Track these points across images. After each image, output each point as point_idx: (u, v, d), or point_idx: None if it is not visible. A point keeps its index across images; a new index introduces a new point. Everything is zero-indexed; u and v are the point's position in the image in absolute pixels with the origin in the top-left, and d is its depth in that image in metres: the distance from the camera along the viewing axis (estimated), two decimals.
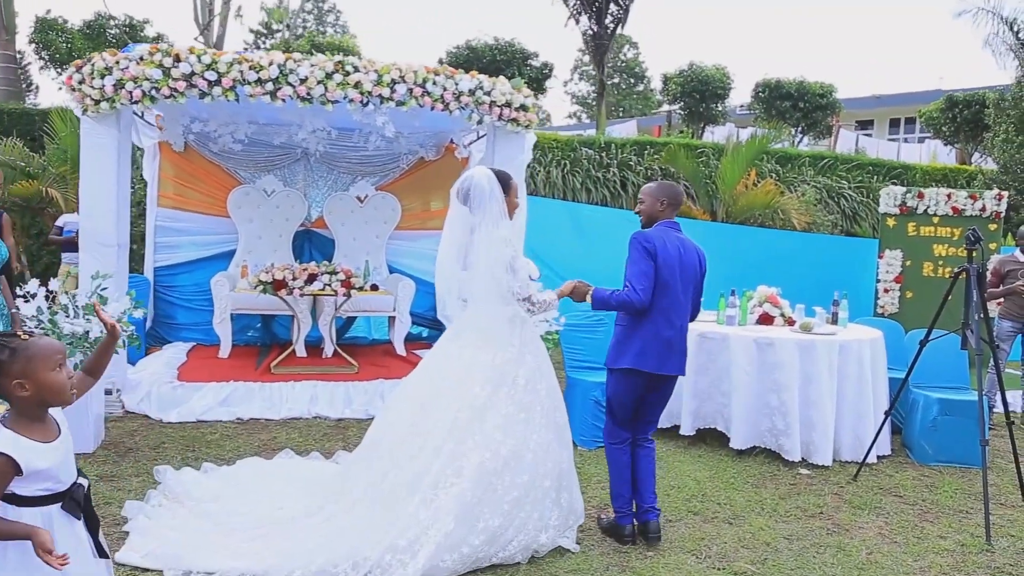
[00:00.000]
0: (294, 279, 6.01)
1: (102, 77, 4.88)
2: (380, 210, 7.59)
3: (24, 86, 19.39)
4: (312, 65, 4.90)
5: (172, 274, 7.42)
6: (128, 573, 3.03)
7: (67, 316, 4.44)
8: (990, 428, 5.47)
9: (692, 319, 3.60)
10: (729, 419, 4.87)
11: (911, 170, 13.66)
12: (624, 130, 19.41)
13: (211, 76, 4.81)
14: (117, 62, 4.89)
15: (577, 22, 16.96)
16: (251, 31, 28.75)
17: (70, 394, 2.09)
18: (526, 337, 3.45)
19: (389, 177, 7.81)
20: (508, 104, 5.36)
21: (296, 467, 4.25)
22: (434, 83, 5.11)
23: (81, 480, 2.13)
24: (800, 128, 18.16)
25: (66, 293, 4.56)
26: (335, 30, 34.45)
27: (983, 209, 8.09)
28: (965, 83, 22.03)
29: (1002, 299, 5.96)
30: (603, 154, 11.60)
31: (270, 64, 4.84)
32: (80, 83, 4.95)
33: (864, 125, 24.60)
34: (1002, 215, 8.16)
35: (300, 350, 6.65)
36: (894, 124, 24.83)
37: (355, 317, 7.62)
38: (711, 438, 5.09)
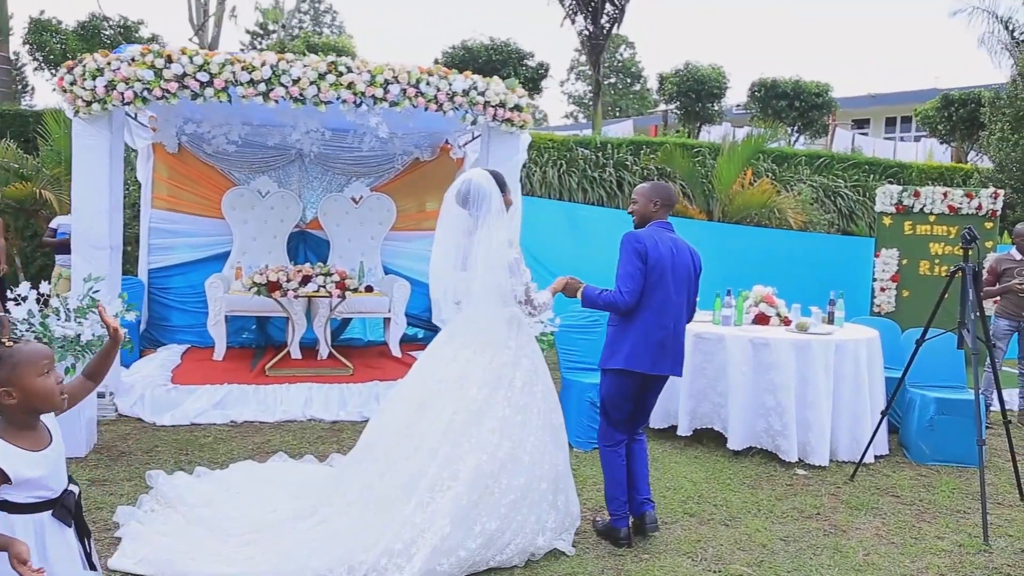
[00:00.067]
0: (288, 281, 5.99)
1: (93, 78, 4.85)
2: (375, 211, 7.56)
3: (20, 87, 19.33)
4: (305, 66, 4.87)
5: (166, 276, 7.39)
6: None
7: (58, 319, 4.41)
8: (987, 427, 5.46)
9: (689, 320, 3.59)
10: (726, 419, 4.85)
11: (907, 169, 13.66)
12: (620, 130, 19.39)
13: (203, 77, 4.78)
14: (109, 63, 4.86)
15: (573, 22, 16.94)
16: (247, 32, 28.74)
17: (60, 399, 2.06)
18: (522, 339, 3.45)
19: (384, 178, 7.79)
20: (502, 104, 5.33)
21: (289, 470, 4.22)
22: (427, 83, 5.09)
23: (72, 487, 2.10)
24: (796, 127, 18.16)
25: (57, 296, 4.53)
26: (331, 31, 34.41)
27: (979, 207, 8.08)
28: (961, 82, 22.09)
29: (998, 297, 5.95)
30: (599, 154, 11.58)
31: (262, 65, 4.81)
32: (71, 84, 4.92)
33: (860, 124, 24.61)
34: (998, 213, 8.15)
35: (295, 352, 6.62)
36: (890, 123, 24.84)
37: (350, 319, 7.59)
38: (708, 439, 5.07)
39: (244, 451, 4.66)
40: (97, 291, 4.65)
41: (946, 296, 4.43)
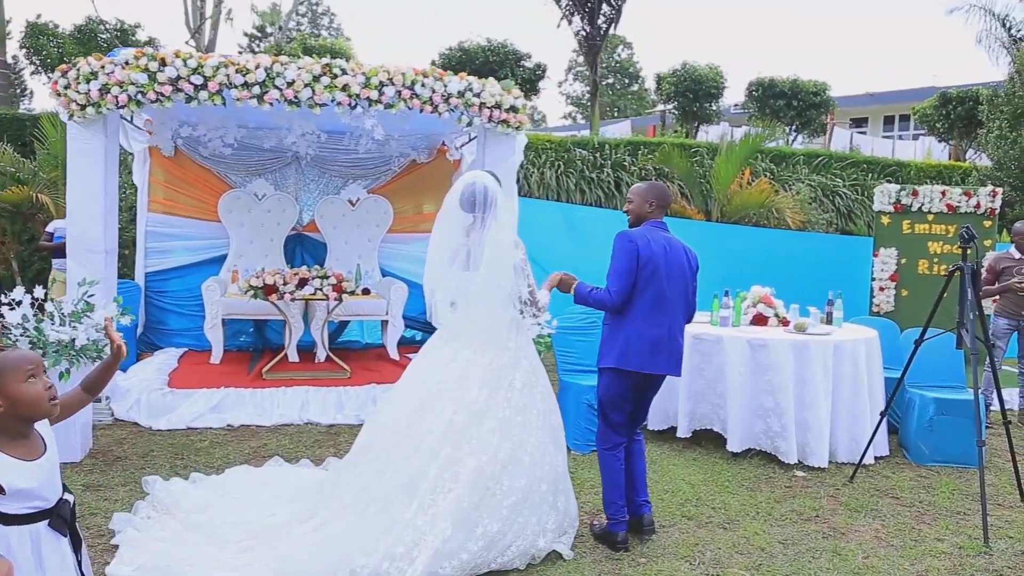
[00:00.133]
0: (285, 284, 5.96)
1: (88, 82, 4.83)
2: (372, 213, 7.54)
3: (18, 92, 19.33)
4: (299, 68, 4.85)
5: (163, 279, 7.37)
6: None
7: (53, 324, 4.38)
8: (987, 427, 5.44)
9: (689, 319, 3.58)
10: (725, 420, 4.83)
11: (905, 167, 13.65)
12: (618, 130, 19.38)
13: (197, 80, 4.76)
14: (103, 66, 4.84)
15: (570, 23, 16.91)
16: (245, 34, 28.72)
17: (48, 406, 2.03)
18: (521, 340, 3.46)
19: (381, 180, 7.76)
20: (498, 106, 5.31)
21: (285, 475, 4.20)
22: (423, 85, 5.07)
23: (67, 496, 2.08)
24: (794, 127, 18.15)
25: (51, 300, 4.51)
26: (329, 33, 34.40)
27: (978, 206, 8.06)
28: (959, 80, 22.03)
29: (998, 296, 5.93)
30: (597, 155, 11.56)
31: (256, 67, 4.79)
32: (66, 88, 4.90)
33: (858, 123, 24.61)
34: (997, 212, 8.13)
35: (292, 355, 6.60)
36: (888, 121, 24.83)
37: (348, 321, 7.57)
38: (707, 440, 5.04)
39: (240, 455, 4.63)
40: (92, 295, 4.63)
41: (945, 295, 4.41)
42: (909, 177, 13.27)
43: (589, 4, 16.45)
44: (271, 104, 4.87)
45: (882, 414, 4.63)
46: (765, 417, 4.71)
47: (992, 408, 5.80)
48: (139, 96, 4.83)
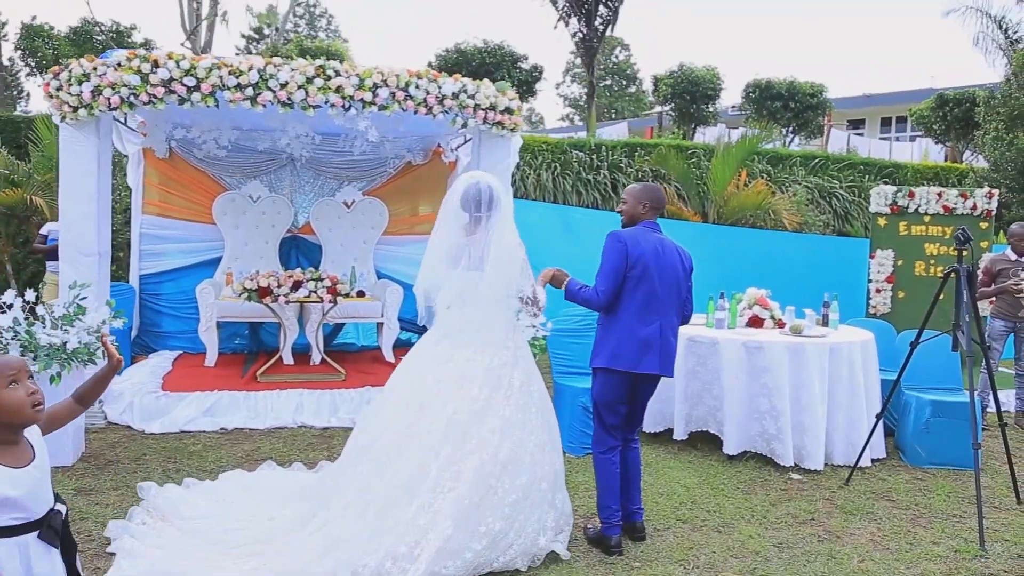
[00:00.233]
0: (279, 286, 5.94)
1: (80, 83, 4.81)
2: (367, 215, 7.52)
3: (15, 93, 19.29)
4: (292, 70, 4.83)
5: (158, 282, 7.34)
6: None
7: (44, 327, 4.36)
8: (984, 428, 5.42)
9: (685, 321, 3.58)
10: (721, 423, 4.81)
11: (902, 169, 13.66)
12: (615, 132, 19.37)
13: (190, 82, 4.73)
14: (95, 68, 4.82)
15: (567, 24, 16.91)
16: (242, 36, 28.70)
17: (32, 412, 1.99)
18: (518, 340, 3.49)
19: (376, 182, 7.74)
20: (493, 107, 5.29)
21: (279, 478, 4.18)
22: (417, 87, 5.05)
23: (58, 507, 2.03)
24: (791, 128, 18.15)
25: (42, 304, 4.48)
26: (327, 34, 34.39)
27: (974, 207, 8.05)
28: (955, 81, 22.07)
29: (994, 298, 5.92)
30: (593, 156, 11.56)
31: (249, 69, 4.77)
32: (58, 90, 4.87)
33: (855, 124, 24.62)
34: (993, 213, 8.12)
35: (287, 357, 6.57)
36: (885, 123, 24.85)
37: (343, 324, 7.54)
38: (703, 443, 5.03)
39: (233, 459, 4.61)
40: (84, 298, 4.61)
41: (941, 297, 4.40)
42: (906, 179, 13.27)
43: (586, 5, 16.46)
44: (264, 106, 4.85)
45: (878, 416, 4.62)
46: (761, 420, 4.69)
47: (989, 410, 5.78)
48: (131, 98, 4.80)
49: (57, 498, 2.06)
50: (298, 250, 7.71)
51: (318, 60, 4.97)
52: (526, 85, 17.02)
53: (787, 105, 17.69)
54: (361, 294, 6.68)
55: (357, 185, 7.67)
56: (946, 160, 17.63)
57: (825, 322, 5.28)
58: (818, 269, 8.92)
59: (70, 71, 4.82)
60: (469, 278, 3.36)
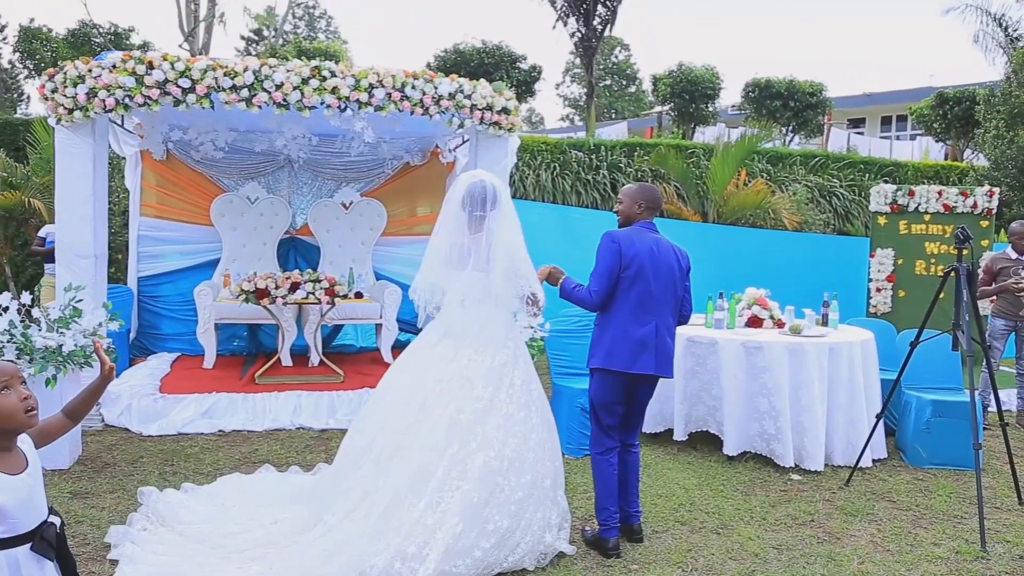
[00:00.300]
0: (277, 288, 5.91)
1: (75, 85, 4.78)
2: (366, 216, 7.50)
3: (15, 96, 19.28)
4: (288, 71, 4.81)
5: (156, 284, 7.33)
6: None
7: (40, 330, 4.34)
8: (985, 428, 5.39)
9: (684, 321, 3.56)
10: (721, 423, 4.79)
11: (903, 167, 13.63)
12: (614, 132, 19.36)
13: (185, 83, 4.71)
14: (90, 70, 4.79)
15: (565, 24, 16.90)
16: (242, 38, 28.70)
17: (25, 417, 1.97)
18: (517, 339, 3.49)
19: (374, 183, 7.72)
20: (490, 107, 5.26)
21: (277, 481, 4.15)
22: (413, 87, 5.02)
23: (52, 519, 2.00)
24: (791, 127, 18.12)
25: (39, 306, 4.46)
26: (326, 36, 34.39)
27: (974, 206, 8.03)
28: (955, 80, 22.02)
29: (995, 297, 5.89)
30: (592, 156, 11.53)
31: (245, 70, 4.74)
32: (53, 92, 4.85)
33: (856, 123, 24.58)
34: (993, 211, 8.10)
35: (285, 359, 6.55)
36: (886, 122, 24.81)
37: (342, 325, 7.52)
38: (703, 443, 5.00)
39: (231, 461, 4.59)
40: (80, 300, 4.59)
41: (942, 296, 4.37)
42: (906, 177, 13.24)
43: (584, 5, 16.44)
44: (260, 107, 4.83)
45: (878, 416, 4.59)
46: (760, 420, 4.67)
47: (990, 410, 5.75)
48: (127, 100, 4.77)
49: (52, 511, 2.03)
50: (296, 251, 7.69)
51: (314, 61, 4.94)
52: (525, 85, 17.00)
53: (787, 104, 17.66)
54: (359, 295, 6.66)
55: (355, 186, 7.65)
56: (946, 159, 17.60)
57: (825, 322, 5.26)
58: (818, 268, 8.89)
59: (65, 73, 4.80)
60: (474, 278, 3.35)
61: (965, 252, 4.15)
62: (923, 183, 11.36)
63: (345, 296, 6.21)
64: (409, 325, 7.50)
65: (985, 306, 6.60)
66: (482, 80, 5.42)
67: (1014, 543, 3.66)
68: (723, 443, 4.76)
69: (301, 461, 4.57)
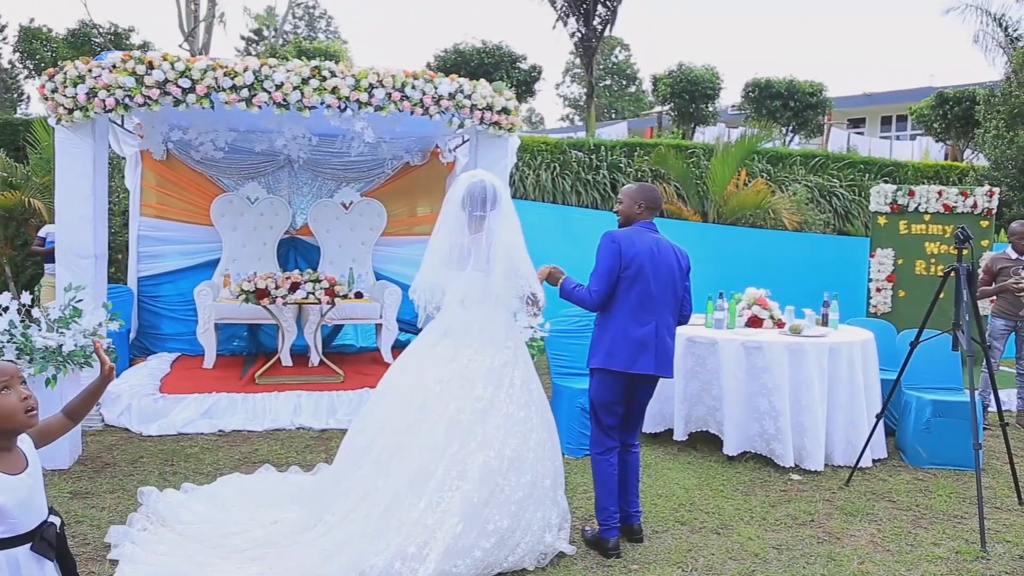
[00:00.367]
0: (277, 288, 5.91)
1: (75, 85, 4.78)
2: (366, 216, 7.50)
3: (16, 96, 19.28)
4: (288, 71, 4.80)
5: (156, 284, 7.33)
6: None
7: (40, 330, 4.34)
8: (985, 428, 5.39)
9: (684, 321, 3.57)
10: (721, 422, 4.79)
11: (903, 167, 13.62)
12: (614, 132, 19.35)
13: (185, 83, 4.71)
14: (90, 70, 4.79)
15: (565, 24, 16.90)
16: (242, 38, 28.70)
17: (25, 417, 1.97)
18: (517, 339, 3.50)
19: (374, 183, 7.72)
20: (490, 107, 5.26)
21: (277, 481, 4.15)
22: (413, 87, 5.02)
23: (52, 519, 2.00)
24: (791, 127, 18.11)
25: (38, 306, 4.46)
26: (326, 36, 34.39)
27: (974, 206, 8.03)
28: (955, 80, 22.02)
29: (995, 297, 5.89)
30: (592, 156, 11.53)
31: (245, 70, 4.74)
32: (53, 92, 4.85)
33: (856, 123, 24.58)
34: (994, 211, 8.10)
35: (285, 359, 6.55)
36: (886, 122, 24.81)
37: (342, 325, 7.52)
38: (703, 443, 5.00)
39: (230, 461, 4.59)
40: (80, 300, 4.59)
41: (941, 296, 4.37)
42: (906, 177, 13.24)
43: (584, 5, 16.44)
44: (260, 107, 4.83)
45: (878, 416, 4.59)
46: (760, 420, 4.67)
47: (990, 410, 5.75)
48: (127, 100, 4.78)
49: (52, 511, 2.03)
50: (296, 251, 7.69)
51: (314, 61, 4.94)
52: (525, 85, 17.00)
53: (786, 104, 17.65)
54: (359, 295, 6.66)
55: (355, 186, 7.65)
56: (946, 159, 17.59)
57: (825, 322, 5.26)
58: (818, 268, 8.89)
59: (65, 73, 4.80)
60: (474, 278, 3.35)
61: (965, 252, 4.15)
62: (923, 183, 11.35)
63: (345, 296, 6.21)
64: (409, 325, 7.50)
65: (985, 306, 6.60)
66: (482, 80, 5.41)
67: (1014, 543, 3.66)
68: (723, 443, 4.76)
69: (301, 461, 4.57)
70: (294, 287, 5.95)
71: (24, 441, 2.02)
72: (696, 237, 8.72)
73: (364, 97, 4.91)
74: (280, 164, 7.51)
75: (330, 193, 7.62)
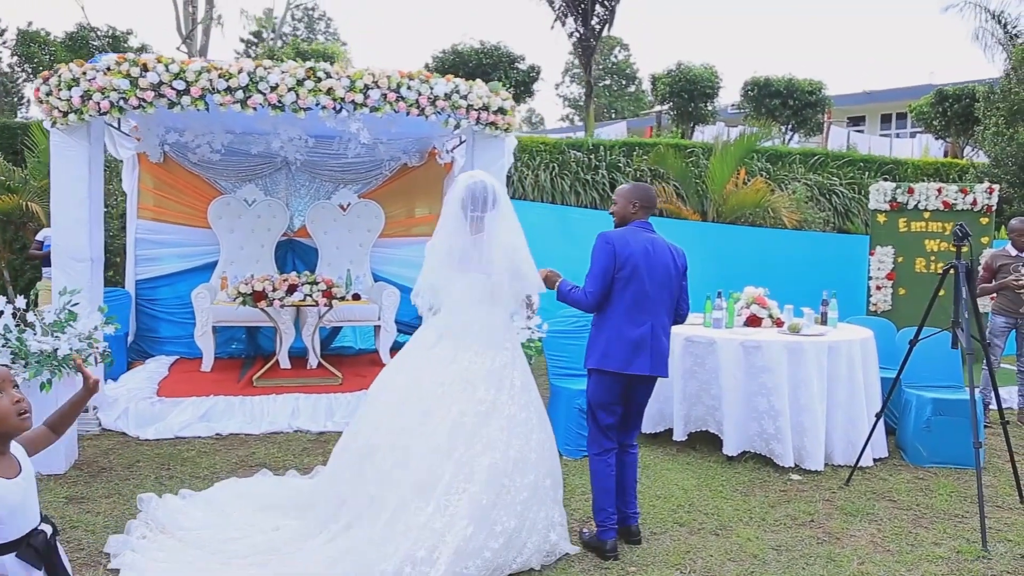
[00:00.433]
0: (274, 290, 5.89)
1: (69, 88, 4.77)
2: (363, 218, 7.48)
3: (16, 100, 19.29)
4: (283, 72, 4.79)
5: (154, 287, 7.32)
6: None
7: (35, 334, 4.32)
8: (986, 426, 5.36)
9: (680, 320, 3.55)
10: (721, 422, 4.77)
11: (903, 165, 13.59)
12: (614, 131, 19.33)
13: (179, 85, 4.70)
14: (84, 73, 4.78)
15: (563, 24, 16.88)
16: (241, 40, 28.71)
17: (18, 420, 1.95)
18: (514, 340, 3.50)
19: (372, 184, 7.71)
20: (485, 107, 5.24)
21: (275, 485, 4.13)
22: (408, 88, 5.00)
23: (43, 526, 1.98)
24: (790, 126, 18.08)
25: (33, 310, 4.45)
26: (325, 37, 34.40)
27: (974, 203, 7.99)
28: (955, 77, 22.03)
29: (995, 294, 5.86)
30: (591, 156, 11.51)
31: (239, 72, 4.73)
32: (48, 95, 4.84)
33: (856, 121, 24.55)
34: (993, 208, 8.06)
35: (284, 362, 6.53)
36: (885, 120, 24.78)
37: (341, 327, 7.50)
38: (702, 443, 4.98)
39: (227, 465, 4.57)
40: (76, 304, 4.57)
41: (941, 294, 4.35)
42: (906, 175, 13.21)
43: (582, 5, 16.42)
44: (255, 109, 4.81)
45: (877, 415, 4.56)
46: (760, 420, 4.64)
47: (992, 408, 5.72)
48: (121, 102, 4.77)
49: (44, 518, 2.01)
50: (294, 253, 7.67)
51: (309, 62, 4.92)
52: (523, 86, 16.98)
53: (786, 103, 17.62)
54: (357, 297, 6.64)
55: (353, 188, 7.63)
56: (946, 156, 17.55)
57: (824, 320, 5.23)
58: (818, 267, 8.86)
59: (59, 76, 4.79)
60: (474, 280, 3.33)
61: (964, 249, 4.12)
62: (923, 181, 11.32)
63: (342, 298, 6.19)
64: (408, 327, 7.48)
65: (986, 303, 6.57)
66: (478, 80, 5.40)
67: (1015, 542, 3.63)
68: (723, 443, 4.73)
69: (298, 464, 4.55)
70: (291, 289, 5.93)
71: (17, 447, 2.00)
72: (695, 236, 8.70)
73: (359, 98, 4.90)
74: (277, 166, 7.50)
75: (328, 195, 7.61)
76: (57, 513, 3.68)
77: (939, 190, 8.06)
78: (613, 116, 33.70)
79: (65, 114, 4.84)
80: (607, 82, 36.00)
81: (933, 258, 8.05)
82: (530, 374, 3.48)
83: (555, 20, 16.84)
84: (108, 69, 4.75)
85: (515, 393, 3.32)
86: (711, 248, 8.68)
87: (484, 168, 5.11)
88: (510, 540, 3.09)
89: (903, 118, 23.08)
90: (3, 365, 2.60)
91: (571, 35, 17.06)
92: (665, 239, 3.49)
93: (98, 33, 14.43)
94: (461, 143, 6.65)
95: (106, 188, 6.50)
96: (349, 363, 6.89)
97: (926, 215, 8.08)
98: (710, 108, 18.49)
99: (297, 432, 5.31)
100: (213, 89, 4.72)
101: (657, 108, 19.42)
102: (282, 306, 5.98)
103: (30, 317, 4.36)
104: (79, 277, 4.98)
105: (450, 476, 3.11)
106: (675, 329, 4.50)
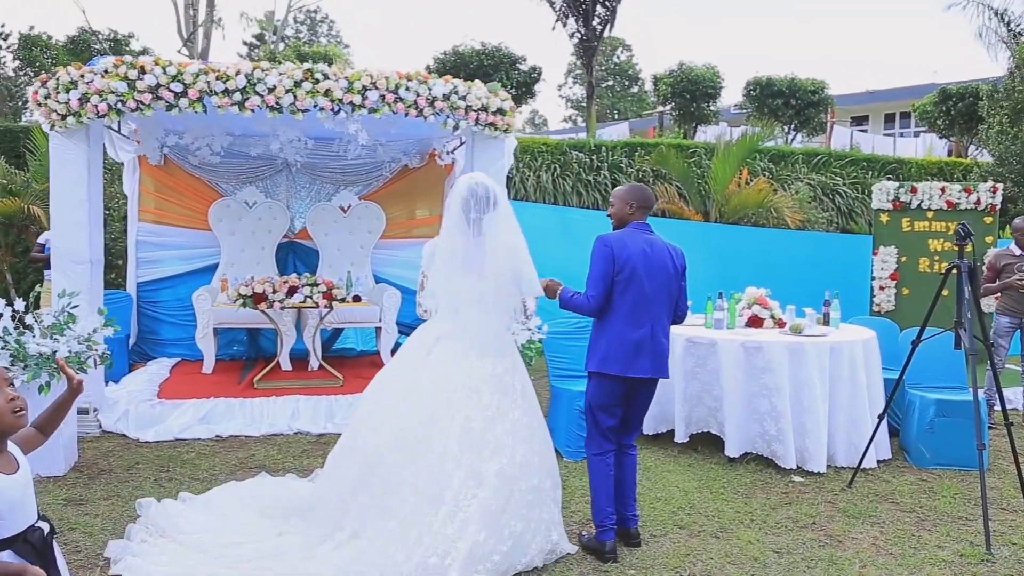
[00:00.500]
0: (274, 292, 5.88)
1: (67, 91, 4.77)
2: (364, 219, 7.47)
3: (20, 104, 19.34)
4: (280, 74, 4.78)
5: (155, 289, 7.32)
6: None
7: (34, 336, 4.31)
8: (990, 427, 5.32)
9: (679, 320, 3.53)
10: (722, 423, 4.74)
11: (906, 164, 13.52)
12: (616, 132, 19.30)
13: (177, 87, 4.69)
14: (82, 75, 4.78)
15: (564, 25, 16.86)
16: (244, 43, 28.78)
17: (13, 417, 1.96)
18: (512, 345, 3.51)
19: (372, 186, 7.70)
20: (484, 108, 5.23)
21: (274, 488, 4.10)
22: (407, 89, 4.99)
23: (41, 524, 1.98)
24: (793, 125, 18.01)
25: (32, 313, 4.44)
26: (327, 40, 34.45)
27: (978, 202, 7.95)
28: (958, 76, 21.94)
29: (999, 294, 5.81)
30: (593, 157, 11.48)
31: (237, 74, 4.72)
32: (46, 98, 4.84)
33: (859, 121, 24.48)
34: (997, 208, 8.02)
35: (285, 364, 6.53)
36: (889, 119, 24.69)
37: (342, 329, 7.49)
38: (704, 445, 4.95)
39: (227, 467, 4.56)
40: (75, 306, 4.56)
41: (944, 294, 4.31)
42: (910, 174, 13.14)
43: (583, 6, 16.39)
44: (253, 111, 4.81)
45: (880, 416, 4.53)
46: (761, 421, 4.61)
47: (996, 409, 5.68)
48: (119, 105, 4.76)
49: (42, 516, 2.01)
50: (295, 255, 7.67)
51: (307, 63, 4.91)
52: (525, 87, 16.96)
53: (788, 102, 17.54)
54: (357, 298, 6.63)
55: (353, 189, 7.63)
56: (950, 155, 17.48)
57: (826, 321, 5.20)
58: (821, 267, 8.82)
59: (57, 79, 4.79)
60: (475, 282, 3.32)
61: (967, 249, 4.09)
62: (927, 180, 11.27)
63: (343, 300, 6.18)
64: (409, 328, 7.46)
65: (990, 303, 6.52)
66: (476, 81, 5.38)
67: (1020, 545, 3.60)
68: (724, 444, 4.71)
69: (298, 466, 4.54)
70: (292, 291, 5.92)
71: (13, 446, 2.01)
72: (698, 237, 8.67)
73: (357, 99, 4.89)
74: (278, 168, 7.49)
75: (328, 196, 7.60)
76: (55, 515, 3.67)
77: (942, 189, 8.02)
78: (616, 117, 33.67)
79: (63, 117, 4.84)
80: (610, 83, 35.98)
81: (937, 258, 8.01)
82: (528, 379, 3.48)
83: (556, 21, 16.82)
84: (106, 72, 4.75)
85: (517, 397, 3.33)
86: (713, 248, 8.65)
87: (484, 169, 5.10)
88: (517, 543, 3.11)
89: (907, 117, 23.00)
90: (3, 367, 2.60)
91: (572, 36, 17.04)
92: (663, 239, 3.47)
93: (100, 37, 14.46)
94: (461, 144, 6.63)
95: (107, 191, 6.51)
96: (350, 365, 6.88)
97: (929, 214, 8.04)
98: (712, 108, 18.43)
99: (297, 434, 5.30)
100: (211, 91, 4.71)
101: (659, 109, 19.39)
102: (282, 308, 5.98)
103: (29, 319, 4.36)
104: (78, 279, 4.98)
105: (459, 482, 3.11)
106: (676, 330, 4.48)
